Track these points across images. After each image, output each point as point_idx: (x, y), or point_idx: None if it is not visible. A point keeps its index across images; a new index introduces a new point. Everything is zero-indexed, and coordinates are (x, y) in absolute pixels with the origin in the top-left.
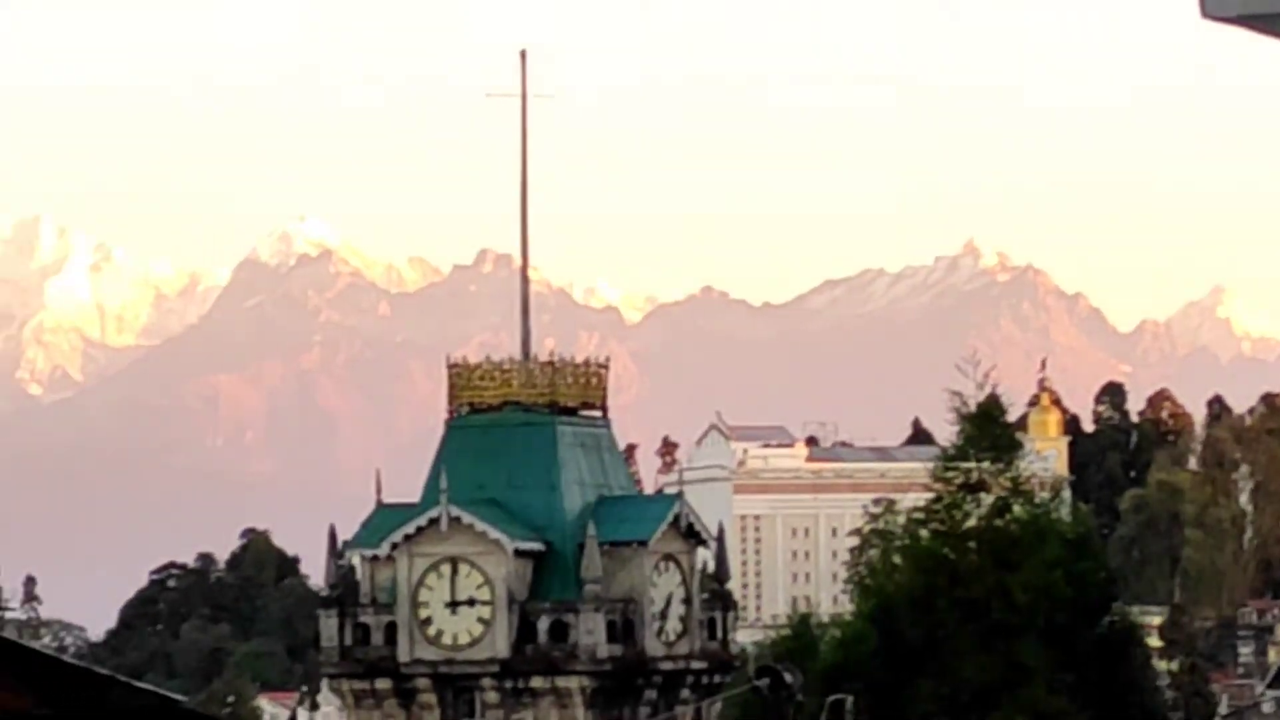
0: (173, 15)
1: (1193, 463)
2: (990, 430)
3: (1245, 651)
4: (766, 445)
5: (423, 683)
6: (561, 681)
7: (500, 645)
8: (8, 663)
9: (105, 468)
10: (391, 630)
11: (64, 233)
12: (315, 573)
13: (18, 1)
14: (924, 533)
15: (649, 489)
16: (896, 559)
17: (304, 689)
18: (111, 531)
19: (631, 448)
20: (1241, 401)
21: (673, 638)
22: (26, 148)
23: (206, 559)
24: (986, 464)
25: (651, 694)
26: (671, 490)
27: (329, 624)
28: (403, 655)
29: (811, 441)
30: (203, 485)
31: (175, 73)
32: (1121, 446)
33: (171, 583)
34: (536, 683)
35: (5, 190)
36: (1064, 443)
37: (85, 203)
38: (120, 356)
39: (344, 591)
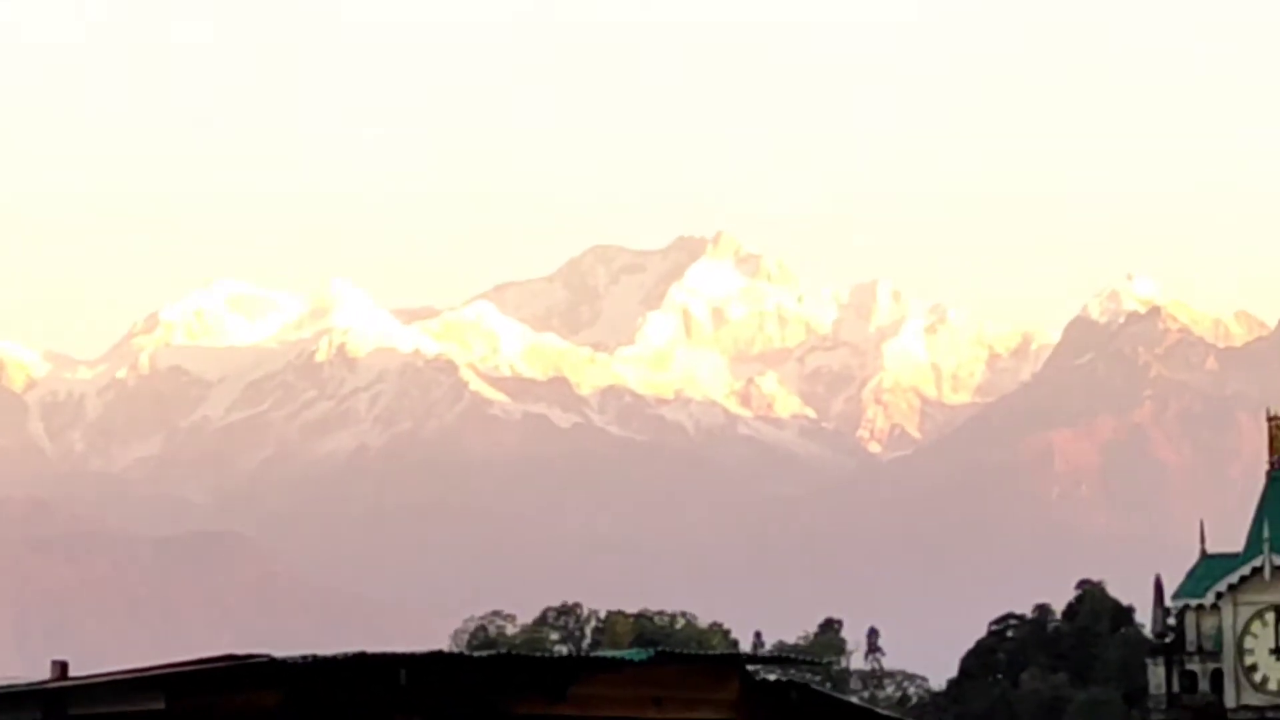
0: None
1: None
2: None
3: None
4: None
5: None
6: None
7: None
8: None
9: (944, 522)
10: (1218, 677)
11: (899, 296)
12: (1149, 621)
13: None
14: None
15: None
16: None
17: None
18: (951, 583)
19: None
20: None
21: None
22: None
23: (1043, 609)
24: None
25: None
26: None
27: (1157, 672)
28: (1229, 701)
29: None
30: (1039, 537)
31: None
32: None
33: (1010, 633)
34: None
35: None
36: None
37: (920, 266)
38: (956, 414)
39: (1172, 640)
